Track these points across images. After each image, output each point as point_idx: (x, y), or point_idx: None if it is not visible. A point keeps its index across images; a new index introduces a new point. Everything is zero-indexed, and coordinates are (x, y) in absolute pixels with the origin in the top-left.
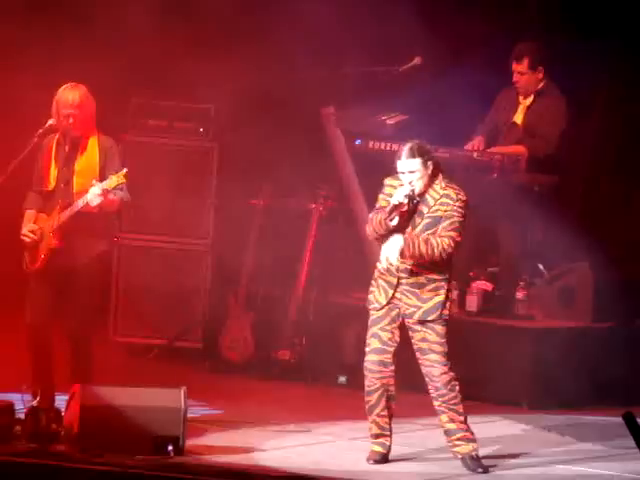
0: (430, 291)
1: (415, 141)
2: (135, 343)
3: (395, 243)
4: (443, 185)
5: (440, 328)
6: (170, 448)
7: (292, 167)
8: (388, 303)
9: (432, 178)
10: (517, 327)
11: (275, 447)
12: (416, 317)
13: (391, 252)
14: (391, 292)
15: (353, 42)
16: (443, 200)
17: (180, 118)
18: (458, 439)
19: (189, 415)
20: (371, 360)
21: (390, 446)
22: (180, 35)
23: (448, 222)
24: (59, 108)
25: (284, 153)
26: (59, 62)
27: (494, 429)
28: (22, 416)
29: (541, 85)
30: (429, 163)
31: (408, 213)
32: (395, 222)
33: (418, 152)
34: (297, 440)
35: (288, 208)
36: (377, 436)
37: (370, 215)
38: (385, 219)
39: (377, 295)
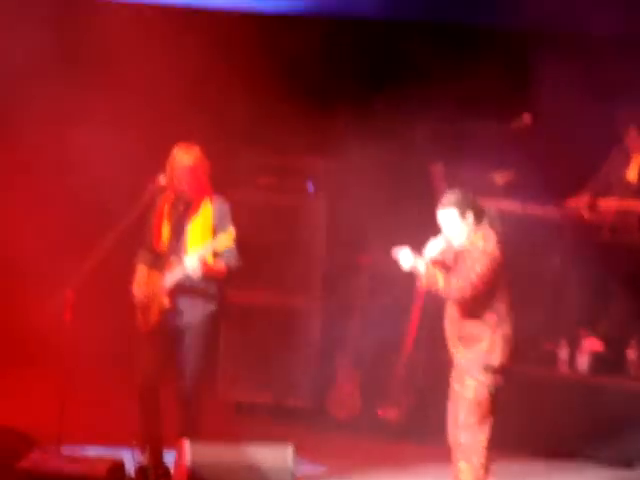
0: (479, 342)
1: (456, 190)
2: (242, 401)
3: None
4: (479, 236)
5: (478, 378)
6: None
7: (400, 224)
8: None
9: (472, 229)
10: (630, 388)
11: None
12: (476, 373)
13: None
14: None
15: (463, 97)
16: (471, 248)
17: (289, 175)
18: None
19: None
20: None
21: None
22: (290, 94)
23: (468, 266)
24: (173, 170)
25: (393, 210)
26: (169, 121)
27: None
28: (132, 474)
29: None
30: (468, 214)
31: (446, 264)
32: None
33: (456, 203)
34: None
35: (396, 266)
36: None
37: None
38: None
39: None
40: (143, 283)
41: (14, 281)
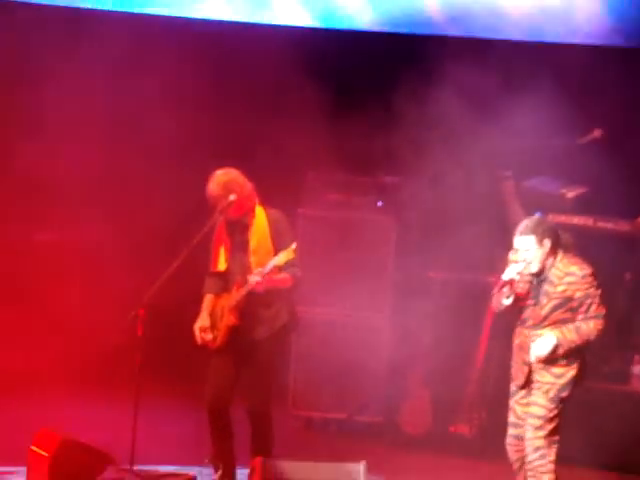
0: (563, 365)
1: (535, 216)
2: (314, 416)
3: (547, 342)
4: (565, 262)
5: (553, 394)
6: None
7: (471, 240)
8: (526, 381)
9: (551, 255)
10: None
11: None
12: (551, 394)
13: (542, 351)
14: (527, 369)
15: (531, 114)
16: (568, 279)
17: (358, 192)
18: None
19: None
20: (509, 434)
21: None
22: (356, 111)
23: (588, 303)
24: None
25: (463, 224)
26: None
27: None
28: None
29: None
30: (545, 240)
31: (531, 292)
32: (509, 301)
33: (533, 229)
34: None
35: (467, 281)
36: None
37: (494, 291)
38: (495, 296)
39: (515, 371)
40: (208, 315)
41: (86, 301)
